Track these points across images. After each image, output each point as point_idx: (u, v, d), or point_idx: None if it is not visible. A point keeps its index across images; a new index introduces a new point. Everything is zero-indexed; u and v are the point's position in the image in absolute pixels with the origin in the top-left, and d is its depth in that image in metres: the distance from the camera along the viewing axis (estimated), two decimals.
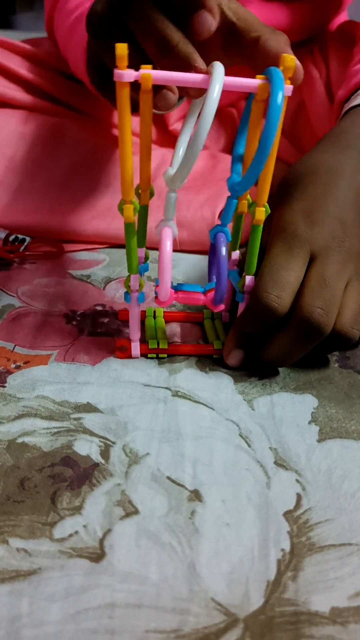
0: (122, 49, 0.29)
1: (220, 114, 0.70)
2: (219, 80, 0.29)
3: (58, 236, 0.59)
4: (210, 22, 0.32)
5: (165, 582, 0.25)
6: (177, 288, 0.39)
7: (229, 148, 0.75)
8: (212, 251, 0.43)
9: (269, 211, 0.36)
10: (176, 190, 0.35)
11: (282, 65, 0.31)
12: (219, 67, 0.30)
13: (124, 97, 0.31)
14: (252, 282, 0.38)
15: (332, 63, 0.69)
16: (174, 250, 0.40)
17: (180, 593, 0.24)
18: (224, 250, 0.37)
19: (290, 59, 0.31)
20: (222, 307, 0.39)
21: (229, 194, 0.39)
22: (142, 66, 0.31)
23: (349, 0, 0.77)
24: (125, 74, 0.30)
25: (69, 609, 0.23)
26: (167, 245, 0.35)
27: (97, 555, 0.26)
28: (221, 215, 0.40)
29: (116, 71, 0.30)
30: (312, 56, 0.72)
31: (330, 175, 0.41)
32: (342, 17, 0.81)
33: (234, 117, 0.74)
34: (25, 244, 0.55)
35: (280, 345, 0.37)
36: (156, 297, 0.38)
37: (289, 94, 0.31)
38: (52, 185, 0.60)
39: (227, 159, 0.70)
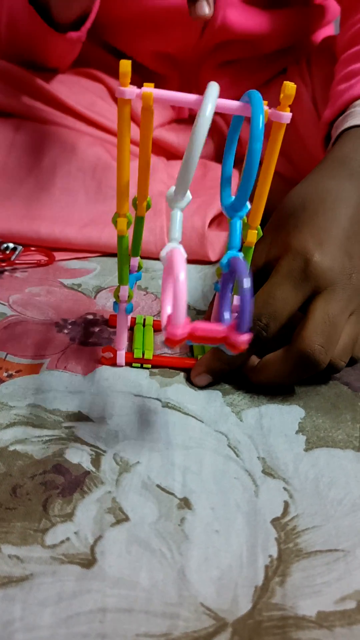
0: (125, 66, 0.30)
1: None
2: (211, 99, 0.30)
3: (49, 244, 0.59)
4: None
5: (156, 587, 0.25)
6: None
7: (216, 155, 0.76)
8: (224, 284, 0.34)
9: (261, 234, 0.37)
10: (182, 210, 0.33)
11: (283, 92, 0.31)
12: (213, 87, 0.30)
13: (125, 113, 0.32)
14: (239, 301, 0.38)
15: (317, 77, 0.70)
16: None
17: (170, 598, 0.25)
18: (247, 282, 0.28)
19: (291, 87, 0.31)
20: (247, 337, 0.29)
21: (219, 201, 0.39)
22: (145, 84, 0.32)
23: (335, 14, 0.78)
24: (127, 91, 0.31)
25: (61, 613, 0.24)
26: (182, 275, 0.27)
27: (89, 561, 0.26)
28: (229, 239, 0.35)
29: (118, 88, 0.31)
30: (299, 68, 0.73)
31: (338, 204, 0.41)
32: (328, 30, 0.83)
33: (219, 124, 0.75)
34: (17, 252, 0.56)
35: (274, 372, 0.38)
36: (167, 339, 0.28)
37: (287, 121, 0.31)
38: (43, 193, 0.61)
39: (217, 167, 0.71)
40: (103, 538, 0.27)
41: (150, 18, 0.66)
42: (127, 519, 0.29)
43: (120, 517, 0.29)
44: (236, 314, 0.30)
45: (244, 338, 0.28)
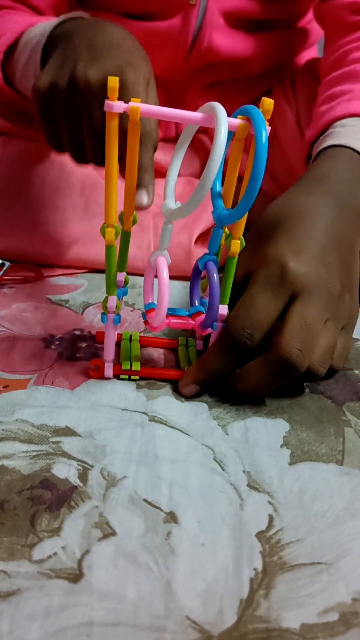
0: (113, 81, 0.32)
1: (192, 140, 0.72)
2: (224, 122, 0.31)
3: (37, 260, 0.60)
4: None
5: (143, 600, 0.26)
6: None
7: (202, 172, 0.77)
8: (194, 277, 0.44)
9: (244, 244, 0.38)
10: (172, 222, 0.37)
11: (262, 107, 0.33)
12: (220, 110, 0.31)
13: (112, 126, 0.33)
14: (226, 311, 0.40)
15: (301, 99, 0.72)
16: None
17: (157, 611, 0.25)
18: (216, 278, 0.39)
19: (269, 102, 0.33)
20: (209, 330, 0.41)
21: (206, 220, 0.41)
22: (132, 99, 0.33)
23: (318, 37, 0.80)
24: (115, 105, 0.32)
25: (49, 627, 0.24)
26: (165, 273, 0.37)
27: (76, 575, 0.26)
28: (209, 244, 0.41)
29: (107, 102, 0.32)
30: (283, 89, 0.75)
31: (314, 218, 0.42)
32: (312, 52, 0.85)
33: (204, 143, 0.76)
34: (5, 268, 0.56)
35: (255, 378, 0.39)
36: (146, 322, 0.40)
37: (267, 134, 0.33)
38: (31, 209, 0.61)
39: None
40: (90, 552, 0.28)
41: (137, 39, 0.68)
42: (114, 533, 0.29)
43: (108, 532, 0.29)
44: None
45: (206, 332, 0.41)
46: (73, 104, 0.43)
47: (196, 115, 0.33)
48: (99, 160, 0.45)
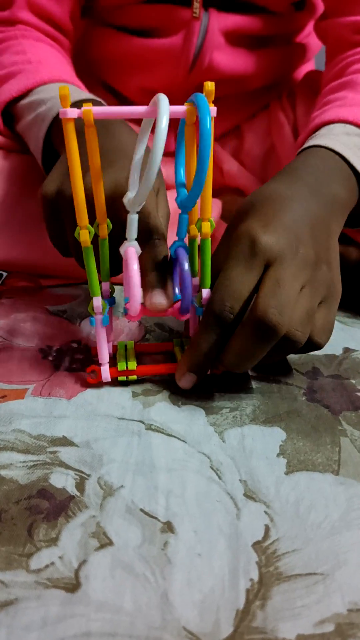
0: (64, 90, 0.34)
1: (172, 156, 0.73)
2: (165, 111, 0.32)
3: (35, 271, 0.60)
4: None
5: (139, 611, 0.26)
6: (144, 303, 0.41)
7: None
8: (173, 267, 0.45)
9: (214, 225, 0.38)
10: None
11: (205, 90, 0.35)
12: (163, 100, 0.33)
13: (70, 130, 0.35)
14: (208, 294, 0.40)
15: (299, 110, 0.73)
16: None
17: (153, 622, 0.25)
18: (186, 265, 0.40)
19: (210, 84, 0.35)
20: (188, 315, 0.42)
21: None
22: (84, 104, 0.35)
23: (315, 51, 0.81)
24: (69, 111, 0.34)
25: (46, 638, 0.24)
26: (134, 265, 0.38)
27: (73, 585, 0.27)
28: (177, 231, 0.42)
29: (61, 110, 0.34)
30: (281, 102, 0.76)
31: (284, 200, 0.43)
32: (309, 66, 0.86)
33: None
34: (2, 278, 0.56)
35: (238, 347, 0.39)
36: (126, 314, 0.40)
37: (214, 114, 0.35)
38: (29, 220, 0.62)
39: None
40: (87, 562, 0.28)
41: (138, 56, 0.69)
42: (111, 543, 0.29)
43: (105, 542, 0.29)
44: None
45: (185, 318, 0.42)
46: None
47: (141, 109, 0.35)
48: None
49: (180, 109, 0.35)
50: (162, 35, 0.67)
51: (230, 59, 0.69)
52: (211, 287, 0.40)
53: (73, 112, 0.34)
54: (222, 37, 0.67)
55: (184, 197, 0.38)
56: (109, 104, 0.71)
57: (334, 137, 0.50)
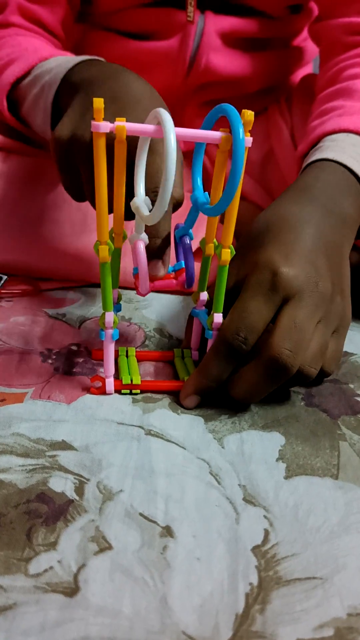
0: (99, 102, 0.33)
1: (188, 158, 0.73)
2: (171, 130, 0.32)
3: (34, 274, 0.60)
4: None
5: (138, 615, 0.26)
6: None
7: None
8: (176, 251, 0.45)
9: (234, 252, 0.39)
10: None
11: (243, 119, 0.34)
12: (166, 116, 0.32)
13: (100, 145, 0.34)
14: (220, 319, 0.40)
15: (296, 114, 0.73)
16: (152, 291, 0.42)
17: (152, 626, 0.25)
18: (187, 240, 0.42)
19: (249, 114, 0.34)
20: (194, 288, 0.43)
21: (197, 235, 0.41)
22: (117, 119, 0.34)
23: (313, 55, 0.82)
24: (102, 125, 0.33)
25: None
26: (142, 250, 0.39)
27: (72, 589, 0.27)
28: (186, 219, 0.42)
29: (93, 122, 0.33)
30: (279, 106, 0.76)
31: (301, 224, 0.43)
32: (307, 69, 0.86)
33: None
34: (2, 282, 0.56)
35: (248, 382, 0.39)
36: (137, 290, 0.41)
37: (249, 145, 0.34)
38: (29, 223, 0.62)
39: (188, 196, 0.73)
40: (86, 566, 0.28)
41: (135, 60, 0.69)
42: (110, 547, 0.29)
43: (104, 546, 0.29)
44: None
45: (190, 291, 0.44)
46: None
47: (148, 127, 0.34)
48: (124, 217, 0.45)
49: (216, 135, 0.35)
50: (159, 38, 0.68)
51: (227, 61, 0.69)
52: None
53: (106, 127, 0.33)
54: (218, 39, 0.68)
55: (202, 200, 0.39)
56: None
57: (340, 150, 0.50)
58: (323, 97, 0.61)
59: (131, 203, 0.38)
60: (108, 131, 0.34)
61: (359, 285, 0.55)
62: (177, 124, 0.39)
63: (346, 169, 0.49)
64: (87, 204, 0.64)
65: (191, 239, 0.42)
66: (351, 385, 0.47)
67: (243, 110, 0.34)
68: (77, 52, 0.61)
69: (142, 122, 0.36)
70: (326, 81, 0.63)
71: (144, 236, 0.40)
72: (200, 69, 0.68)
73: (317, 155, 0.51)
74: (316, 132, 0.54)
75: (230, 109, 0.33)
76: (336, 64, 0.62)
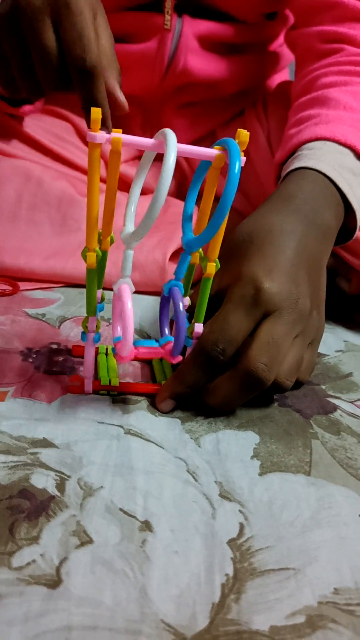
0: (96, 113, 0.33)
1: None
2: (173, 148, 0.32)
3: (13, 274, 0.60)
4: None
5: (119, 605, 0.27)
6: (135, 344, 0.42)
7: (177, 191, 0.79)
8: (162, 303, 0.46)
9: (219, 266, 0.39)
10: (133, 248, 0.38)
11: (237, 139, 0.35)
12: (170, 136, 0.33)
13: (95, 156, 0.34)
14: (201, 329, 0.41)
15: (272, 120, 0.75)
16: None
17: (132, 615, 0.26)
18: (181, 306, 0.40)
19: (245, 134, 0.35)
20: (179, 358, 0.42)
21: (179, 236, 0.42)
22: (113, 130, 0.34)
23: (289, 60, 0.83)
24: (98, 136, 0.33)
25: (28, 632, 0.25)
26: (129, 304, 0.36)
27: (54, 581, 0.27)
28: (176, 270, 0.42)
29: (89, 133, 0.33)
30: (256, 110, 0.78)
31: (284, 236, 0.44)
32: (283, 74, 0.88)
33: (180, 162, 0.78)
34: None
35: (223, 392, 0.41)
36: (116, 355, 0.39)
37: (243, 164, 0.35)
38: (8, 224, 0.62)
39: (178, 203, 0.74)
40: (68, 559, 0.29)
41: None
42: (91, 541, 0.30)
43: (85, 540, 0.30)
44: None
45: (177, 360, 0.41)
46: (18, 29, 0.41)
47: (149, 141, 0.34)
48: (54, 86, 0.43)
49: (211, 152, 0.36)
50: (137, 40, 0.69)
51: (203, 63, 0.71)
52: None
53: (102, 138, 0.33)
54: (195, 42, 0.69)
55: (190, 238, 0.38)
56: (77, 105, 0.72)
57: (318, 159, 0.52)
58: (299, 105, 0.62)
59: (121, 234, 0.38)
60: (103, 142, 0.34)
61: (332, 288, 0.57)
62: (154, 126, 0.39)
63: (325, 177, 0.51)
64: (66, 205, 0.65)
65: (182, 293, 0.42)
66: (323, 387, 0.48)
67: (238, 130, 0.35)
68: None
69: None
70: (301, 89, 0.64)
71: (130, 282, 0.38)
72: (178, 70, 0.69)
73: (296, 163, 0.52)
74: (293, 141, 0.56)
75: (233, 145, 0.34)
76: (311, 72, 0.64)
